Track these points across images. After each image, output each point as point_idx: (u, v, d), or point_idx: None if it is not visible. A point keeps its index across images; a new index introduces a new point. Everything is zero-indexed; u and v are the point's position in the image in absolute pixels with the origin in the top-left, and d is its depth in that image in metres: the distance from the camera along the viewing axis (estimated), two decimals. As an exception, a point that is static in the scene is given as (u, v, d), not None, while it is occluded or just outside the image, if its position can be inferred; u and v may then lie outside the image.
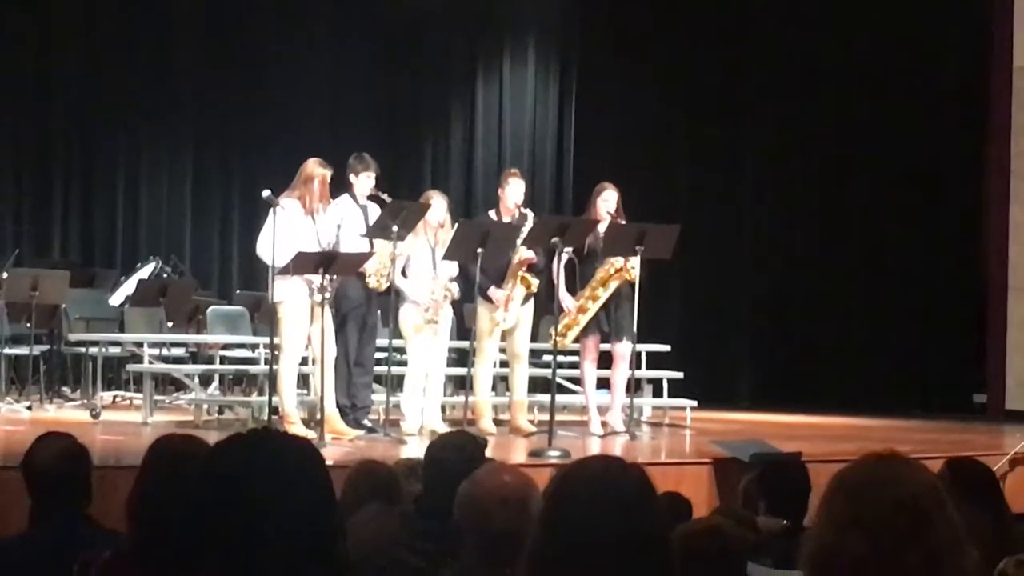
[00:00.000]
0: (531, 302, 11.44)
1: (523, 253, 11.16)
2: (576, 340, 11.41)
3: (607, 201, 11.33)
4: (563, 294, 11.20)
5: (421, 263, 11.10)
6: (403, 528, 4.55)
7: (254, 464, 2.43)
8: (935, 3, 16.19)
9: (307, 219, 10.41)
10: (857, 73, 16.82)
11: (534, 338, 13.10)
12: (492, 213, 11.52)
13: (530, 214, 11.36)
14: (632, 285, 11.15)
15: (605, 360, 11.64)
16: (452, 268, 11.17)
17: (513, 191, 11.34)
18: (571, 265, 11.19)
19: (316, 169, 10.47)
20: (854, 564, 2.65)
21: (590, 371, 11.53)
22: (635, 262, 11.11)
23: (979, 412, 15.63)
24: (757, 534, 5.34)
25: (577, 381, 12.57)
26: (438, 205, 11.22)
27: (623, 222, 11.27)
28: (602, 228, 11.20)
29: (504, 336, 11.44)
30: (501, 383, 12.37)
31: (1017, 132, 15.54)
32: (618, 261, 11.16)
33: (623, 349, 11.36)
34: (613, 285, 11.20)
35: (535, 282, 11.26)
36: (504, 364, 11.87)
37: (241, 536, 2.38)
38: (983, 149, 16.13)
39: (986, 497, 5.16)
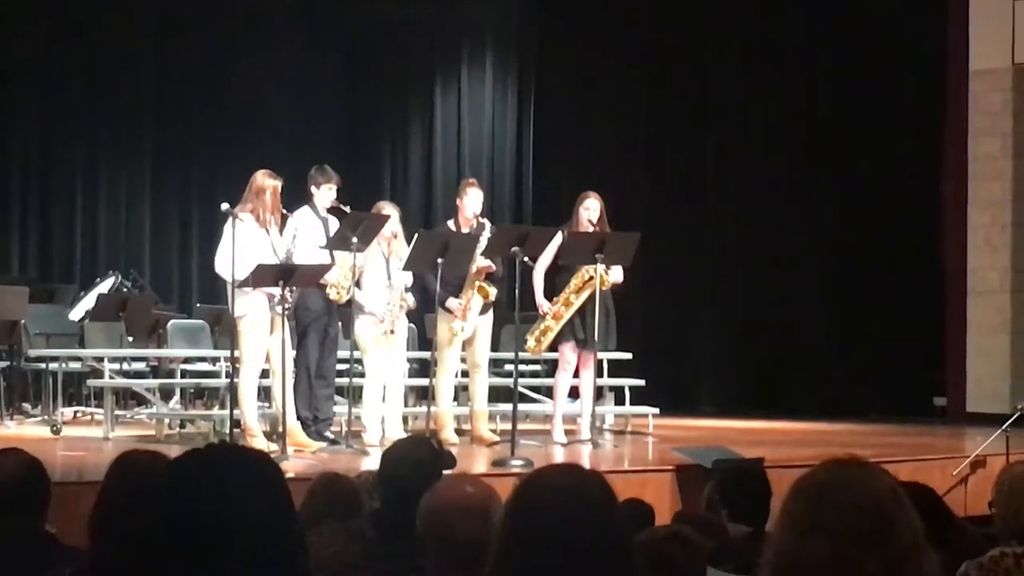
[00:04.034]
0: (490, 312, 11.43)
1: (481, 263, 11.14)
2: (552, 348, 11.40)
3: (589, 210, 11.30)
4: (541, 300, 11.23)
5: (375, 274, 11.02)
6: (363, 548, 4.52)
7: (211, 479, 2.42)
8: (893, 8, 16.24)
9: (261, 231, 10.35)
10: (817, 80, 16.85)
11: (496, 347, 13.09)
12: (451, 223, 11.50)
13: (488, 224, 11.35)
14: (610, 292, 11.17)
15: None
16: (407, 278, 11.14)
17: (471, 201, 11.33)
18: (548, 272, 11.22)
19: (266, 181, 10.38)
20: (815, 569, 2.65)
21: (564, 380, 11.49)
22: (616, 269, 11.13)
23: (940, 415, 15.67)
24: (722, 539, 5.34)
25: (538, 390, 12.53)
26: (390, 215, 11.17)
27: (608, 231, 11.27)
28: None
29: (464, 346, 11.42)
30: (463, 393, 12.34)
31: (974, 135, 15.61)
32: (591, 268, 11.12)
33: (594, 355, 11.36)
34: (587, 292, 11.15)
35: (493, 291, 11.23)
36: (465, 374, 11.85)
37: (202, 551, 2.37)
38: (941, 152, 16.19)
39: (932, 521, 5.07)
